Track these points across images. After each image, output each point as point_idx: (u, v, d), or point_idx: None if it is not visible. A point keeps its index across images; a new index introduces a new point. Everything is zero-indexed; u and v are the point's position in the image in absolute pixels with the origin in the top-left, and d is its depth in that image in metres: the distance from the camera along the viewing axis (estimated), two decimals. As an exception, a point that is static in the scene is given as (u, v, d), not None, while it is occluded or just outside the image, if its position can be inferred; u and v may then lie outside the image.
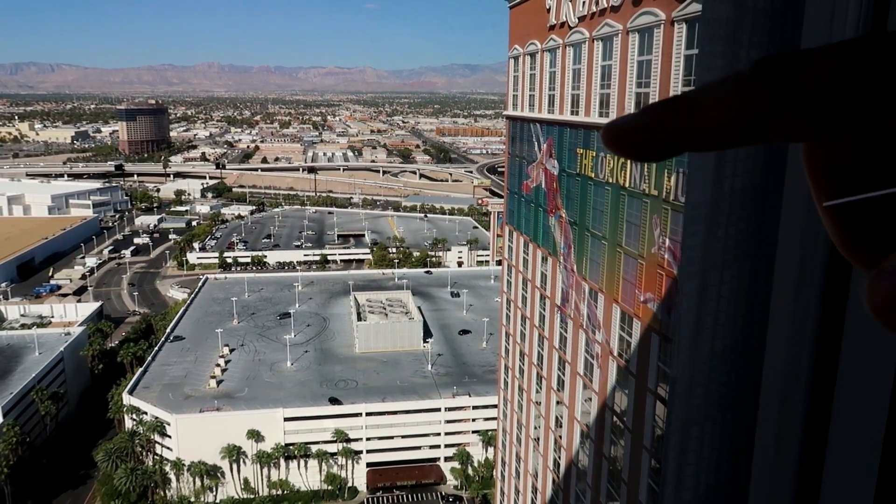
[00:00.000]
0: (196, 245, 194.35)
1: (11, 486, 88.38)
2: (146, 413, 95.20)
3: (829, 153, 0.78)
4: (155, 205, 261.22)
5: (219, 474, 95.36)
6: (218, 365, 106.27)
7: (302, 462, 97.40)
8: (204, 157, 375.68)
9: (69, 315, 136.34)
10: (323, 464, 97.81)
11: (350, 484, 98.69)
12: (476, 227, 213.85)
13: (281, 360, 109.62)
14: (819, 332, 1.98)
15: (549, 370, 55.47)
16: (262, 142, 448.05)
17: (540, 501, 58.94)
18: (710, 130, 0.74)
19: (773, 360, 2.19)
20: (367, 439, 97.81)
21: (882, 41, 0.67)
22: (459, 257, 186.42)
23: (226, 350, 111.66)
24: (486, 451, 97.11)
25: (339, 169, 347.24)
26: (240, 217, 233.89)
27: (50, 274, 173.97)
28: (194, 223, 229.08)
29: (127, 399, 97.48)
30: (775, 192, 2.11)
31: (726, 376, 2.39)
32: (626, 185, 42.30)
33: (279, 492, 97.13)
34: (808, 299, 2.00)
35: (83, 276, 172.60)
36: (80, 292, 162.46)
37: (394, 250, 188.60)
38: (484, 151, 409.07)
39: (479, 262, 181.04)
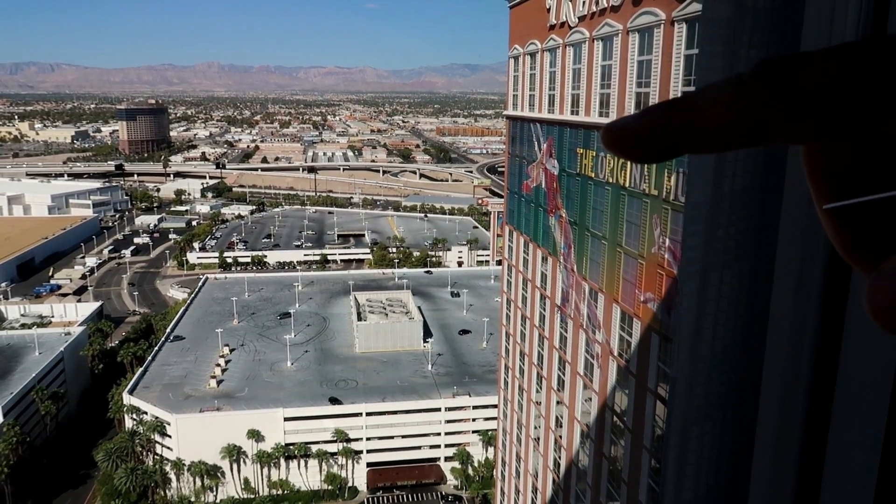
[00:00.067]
0: (196, 245, 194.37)
1: (11, 486, 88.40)
2: (146, 413, 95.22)
3: (829, 156, 0.78)
4: (155, 205, 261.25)
5: (219, 474, 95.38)
6: (218, 365, 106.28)
7: (302, 462, 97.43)
8: (204, 157, 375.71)
9: (69, 315, 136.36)
10: (323, 464, 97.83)
11: (350, 484, 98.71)
12: (476, 227, 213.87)
13: (281, 359, 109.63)
14: (819, 332, 1.98)
15: (549, 370, 55.47)
16: (262, 142, 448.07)
17: (540, 501, 58.94)
18: (711, 132, 0.74)
19: (773, 360, 2.19)
20: (368, 439, 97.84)
21: (882, 44, 0.67)
22: (459, 257, 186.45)
23: (226, 350, 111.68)
24: (487, 450, 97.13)
25: (339, 169, 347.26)
26: (240, 217, 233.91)
27: (50, 274, 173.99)
28: (194, 223, 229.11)
29: (127, 399, 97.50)
30: (775, 192, 2.11)
31: (726, 376, 2.39)
32: (627, 184, 42.31)
33: (279, 492, 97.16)
34: (808, 299, 2.00)
35: (83, 276, 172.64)
36: (80, 292, 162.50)
37: (394, 250, 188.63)
38: (484, 151, 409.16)
39: (479, 262, 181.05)
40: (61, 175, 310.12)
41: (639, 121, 0.77)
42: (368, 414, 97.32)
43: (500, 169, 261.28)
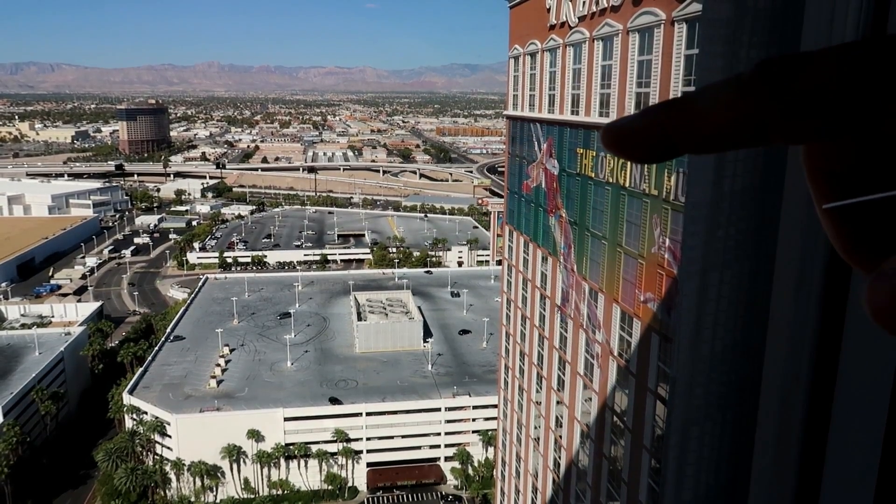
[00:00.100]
0: (196, 245, 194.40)
1: (11, 486, 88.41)
2: (146, 413, 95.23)
3: (828, 155, 0.78)
4: (155, 205, 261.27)
5: (219, 474, 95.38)
6: (218, 365, 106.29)
7: (302, 462, 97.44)
8: (204, 157, 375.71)
9: (69, 315, 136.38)
10: (323, 464, 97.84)
11: (350, 484, 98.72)
12: (476, 227, 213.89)
13: (281, 359, 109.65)
14: (819, 332, 1.98)
15: (549, 370, 55.48)
16: (262, 142, 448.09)
17: (540, 501, 58.95)
18: (711, 133, 0.74)
19: (773, 360, 2.19)
20: (368, 439, 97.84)
21: (882, 44, 0.67)
22: (459, 257, 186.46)
23: (226, 350, 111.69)
24: (487, 450, 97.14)
25: (339, 169, 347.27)
26: (240, 217, 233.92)
27: (50, 274, 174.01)
28: (194, 223, 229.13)
29: (127, 399, 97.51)
30: (775, 192, 2.11)
31: (726, 376, 2.39)
32: (627, 184, 42.31)
33: (279, 492, 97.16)
34: (808, 299, 2.00)
35: (83, 276, 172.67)
36: (80, 292, 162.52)
37: (394, 250, 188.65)
38: (484, 151, 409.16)
39: (480, 262, 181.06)
40: (61, 175, 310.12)
41: (638, 121, 0.77)
42: (368, 414, 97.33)
43: (500, 169, 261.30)
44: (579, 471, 51.80)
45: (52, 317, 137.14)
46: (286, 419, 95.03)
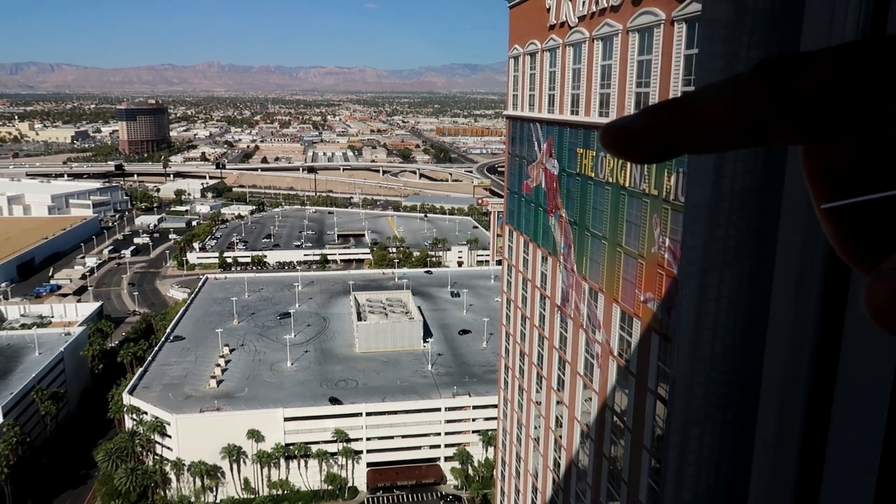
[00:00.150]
0: (196, 245, 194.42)
1: (11, 486, 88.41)
2: (146, 413, 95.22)
3: (827, 156, 0.78)
4: (155, 205, 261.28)
5: (219, 474, 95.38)
6: (218, 365, 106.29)
7: (302, 462, 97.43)
8: (204, 157, 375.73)
9: (69, 315, 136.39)
10: (323, 464, 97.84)
11: (350, 484, 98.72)
12: (476, 227, 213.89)
13: (281, 359, 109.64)
14: (819, 332, 1.98)
15: (549, 370, 55.48)
16: (262, 142, 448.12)
17: (540, 501, 58.95)
18: (710, 133, 0.74)
19: (773, 360, 2.19)
20: (368, 439, 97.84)
21: (882, 45, 0.67)
22: (459, 257, 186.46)
23: (226, 350, 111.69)
24: (487, 450, 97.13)
25: (339, 169, 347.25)
26: (240, 217, 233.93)
27: (50, 274, 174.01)
28: (194, 223, 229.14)
29: (127, 399, 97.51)
30: (775, 192, 2.11)
31: (726, 376, 2.39)
32: (626, 184, 42.32)
33: (279, 492, 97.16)
34: (808, 299, 2.00)
35: (83, 276, 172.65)
36: (80, 292, 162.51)
37: (394, 250, 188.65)
38: (484, 151, 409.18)
39: (479, 262, 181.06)
40: (61, 175, 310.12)
41: (637, 121, 0.77)
42: (368, 414, 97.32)
43: (500, 169, 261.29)
44: (579, 471, 51.81)
45: (52, 317, 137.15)
46: (286, 419, 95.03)
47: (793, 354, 2.08)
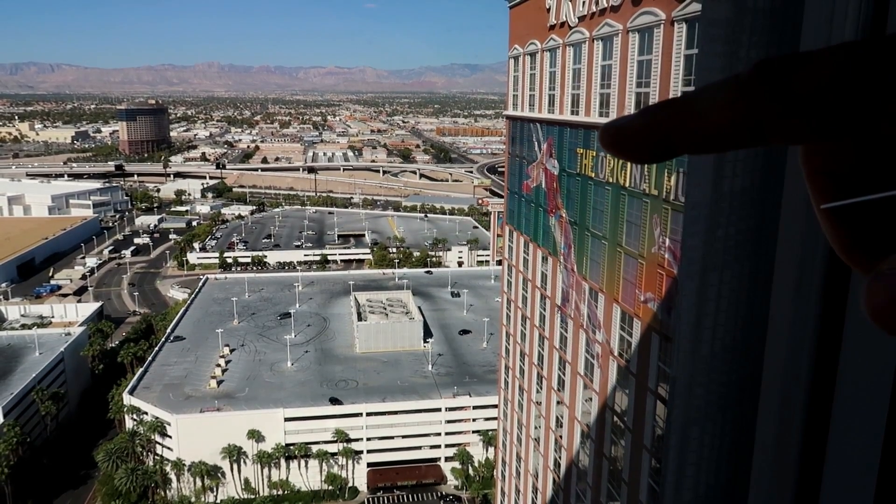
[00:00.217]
0: (196, 245, 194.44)
1: (12, 486, 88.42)
2: (146, 413, 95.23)
3: (827, 156, 0.78)
4: (155, 205, 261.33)
5: (219, 474, 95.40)
6: (218, 365, 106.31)
7: (302, 462, 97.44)
8: (204, 157, 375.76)
9: (69, 315, 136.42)
10: (323, 464, 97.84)
11: (350, 484, 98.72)
12: (476, 227, 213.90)
13: (281, 360, 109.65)
14: (819, 332, 1.98)
15: (549, 370, 55.48)
16: (262, 142, 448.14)
17: (540, 501, 58.95)
18: (710, 133, 0.73)
19: (773, 360, 2.19)
20: (368, 439, 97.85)
21: (881, 45, 0.67)
22: (459, 257, 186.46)
23: (226, 350, 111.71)
24: (487, 451, 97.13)
25: (339, 169, 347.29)
26: (240, 217, 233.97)
27: (50, 274, 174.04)
28: (194, 223, 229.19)
29: (127, 399, 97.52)
30: (775, 192, 2.11)
31: (726, 376, 2.39)
32: (627, 184, 42.32)
33: (280, 492, 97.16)
34: (808, 299, 2.00)
35: (83, 276, 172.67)
36: (80, 292, 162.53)
37: (394, 250, 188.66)
38: (484, 151, 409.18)
39: (480, 262, 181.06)
40: (61, 175, 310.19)
41: (637, 121, 0.77)
42: (369, 414, 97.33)
43: (500, 169, 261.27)
44: (579, 471, 51.81)
45: (53, 317, 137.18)
46: (286, 419, 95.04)
47: (793, 354, 2.08)
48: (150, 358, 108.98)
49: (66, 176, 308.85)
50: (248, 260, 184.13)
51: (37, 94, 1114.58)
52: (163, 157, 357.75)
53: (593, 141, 46.38)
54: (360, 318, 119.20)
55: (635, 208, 41.39)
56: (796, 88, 0.69)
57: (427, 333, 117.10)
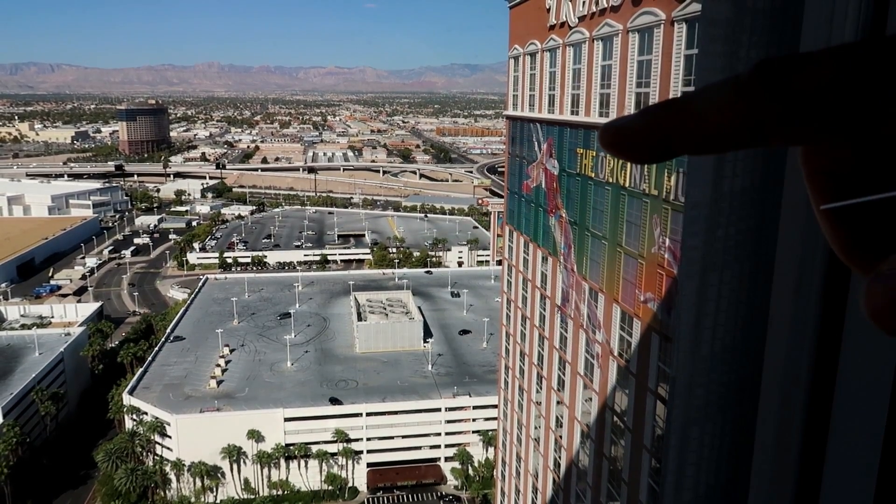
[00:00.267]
0: (196, 245, 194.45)
1: (11, 487, 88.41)
2: (146, 413, 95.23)
3: (827, 157, 0.78)
4: (155, 205, 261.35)
5: (219, 474, 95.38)
6: (218, 365, 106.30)
7: (302, 462, 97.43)
8: (204, 158, 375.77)
9: (69, 315, 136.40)
10: (323, 464, 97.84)
11: (350, 484, 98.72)
12: (476, 227, 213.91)
13: (281, 360, 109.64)
14: (819, 332, 1.98)
15: (549, 370, 55.48)
16: (262, 142, 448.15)
17: (540, 501, 58.95)
18: (710, 133, 0.73)
19: (773, 360, 2.19)
20: (368, 439, 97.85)
21: (882, 45, 0.67)
22: (459, 257, 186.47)
23: (226, 350, 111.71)
24: (487, 451, 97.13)
25: (340, 169, 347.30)
26: (240, 217, 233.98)
27: (50, 274, 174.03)
28: (194, 223, 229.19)
29: (127, 399, 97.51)
30: (775, 192, 2.11)
31: (726, 376, 2.39)
32: (627, 184, 42.32)
33: (279, 492, 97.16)
34: (808, 299, 2.00)
35: (83, 277, 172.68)
36: (80, 292, 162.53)
37: (394, 250, 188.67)
38: (484, 151, 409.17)
39: (480, 262, 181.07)
40: (61, 175, 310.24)
41: (636, 121, 0.77)
42: (368, 414, 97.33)
43: (500, 169, 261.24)
44: (579, 471, 51.81)
45: (52, 317, 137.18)
46: (286, 419, 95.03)
47: (793, 354, 2.08)
48: (149, 358, 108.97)
49: (65, 176, 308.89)
50: (248, 260, 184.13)
51: (37, 94, 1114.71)
52: (163, 158, 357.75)
53: (593, 141, 46.37)
54: (360, 318, 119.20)
55: (635, 208, 41.39)
56: (796, 89, 0.68)
57: (427, 333, 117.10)
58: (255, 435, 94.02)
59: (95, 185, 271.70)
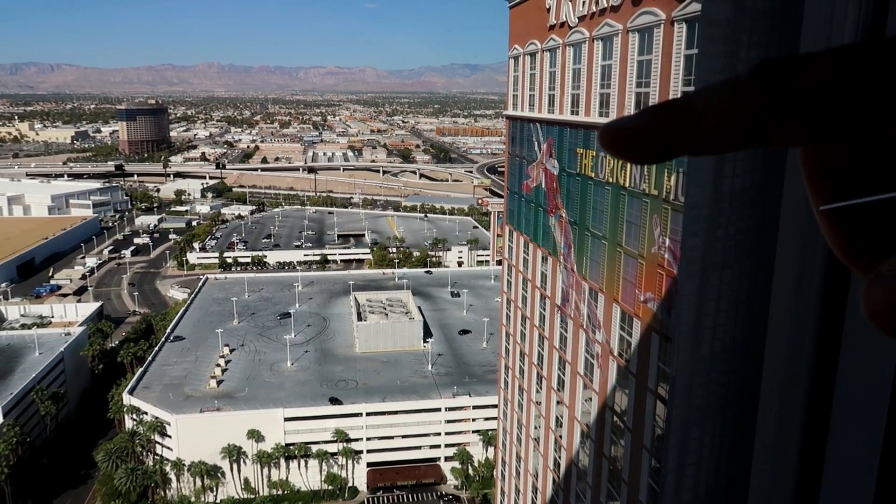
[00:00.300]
0: (196, 245, 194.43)
1: (12, 486, 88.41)
2: (146, 413, 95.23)
3: (826, 157, 0.78)
4: (155, 205, 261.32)
5: (219, 474, 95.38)
6: (218, 365, 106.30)
7: (302, 462, 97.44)
8: (204, 157, 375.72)
9: (69, 315, 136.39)
10: (323, 464, 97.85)
11: (350, 484, 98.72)
12: (476, 227, 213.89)
13: (281, 360, 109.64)
14: (819, 332, 1.98)
15: (549, 370, 55.48)
16: (262, 142, 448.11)
17: (540, 501, 58.95)
18: (709, 134, 0.73)
19: (773, 360, 2.19)
20: (368, 439, 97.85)
21: (881, 45, 0.67)
22: (459, 257, 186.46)
23: (226, 350, 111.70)
24: (487, 450, 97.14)
25: (339, 169, 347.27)
26: (240, 217, 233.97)
27: (50, 274, 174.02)
28: (194, 223, 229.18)
29: (127, 399, 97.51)
30: (775, 192, 2.11)
31: (726, 376, 2.39)
32: (626, 184, 42.32)
33: (279, 492, 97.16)
34: (808, 299, 2.00)
35: (83, 276, 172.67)
36: (80, 292, 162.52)
37: (394, 250, 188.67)
38: (484, 151, 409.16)
39: (480, 262, 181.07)
40: (61, 175, 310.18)
41: (636, 122, 0.77)
42: (368, 414, 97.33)
43: (500, 169, 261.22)
44: (579, 471, 51.81)
45: (52, 317, 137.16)
46: (286, 419, 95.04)
47: (793, 354, 2.07)
48: (149, 358, 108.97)
49: (65, 176, 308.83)
50: (248, 260, 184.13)
51: (37, 94, 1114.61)
52: (163, 157, 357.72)
53: (593, 141, 46.36)
54: (359, 318, 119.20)
55: (635, 208, 41.39)
56: (796, 89, 0.68)
57: (427, 333, 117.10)
58: (255, 435, 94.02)
59: (95, 185, 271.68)
